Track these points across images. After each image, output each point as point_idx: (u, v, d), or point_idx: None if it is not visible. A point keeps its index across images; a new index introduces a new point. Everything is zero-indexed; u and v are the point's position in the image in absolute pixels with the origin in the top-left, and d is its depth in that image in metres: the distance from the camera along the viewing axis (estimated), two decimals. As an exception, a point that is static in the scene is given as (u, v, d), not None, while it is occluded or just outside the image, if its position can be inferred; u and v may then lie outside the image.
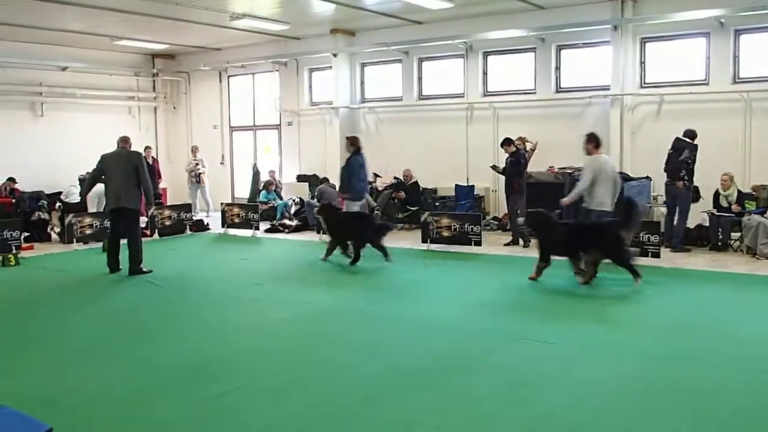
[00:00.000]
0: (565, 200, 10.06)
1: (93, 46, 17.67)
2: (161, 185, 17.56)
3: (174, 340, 6.81)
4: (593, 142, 9.67)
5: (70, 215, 13.21)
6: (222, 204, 15.67)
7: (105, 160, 10.29)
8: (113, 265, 10.27)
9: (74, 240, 12.84)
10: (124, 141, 10.54)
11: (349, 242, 10.96)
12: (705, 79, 12.63)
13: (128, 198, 10.09)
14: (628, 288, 8.57)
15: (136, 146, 10.97)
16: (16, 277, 10.41)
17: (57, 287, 9.60)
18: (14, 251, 11.57)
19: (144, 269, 10.20)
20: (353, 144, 11.74)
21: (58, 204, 14.60)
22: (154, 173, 16.92)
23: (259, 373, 5.69)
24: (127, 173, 10.05)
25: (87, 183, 10.98)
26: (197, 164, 17.74)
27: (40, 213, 14.22)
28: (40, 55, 17.15)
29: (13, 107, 16.96)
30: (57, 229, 14.02)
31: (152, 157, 17.02)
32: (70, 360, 6.14)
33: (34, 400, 4.88)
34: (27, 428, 2.63)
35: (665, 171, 11.46)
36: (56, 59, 17.46)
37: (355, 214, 11.43)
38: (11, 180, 15.01)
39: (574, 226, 9.49)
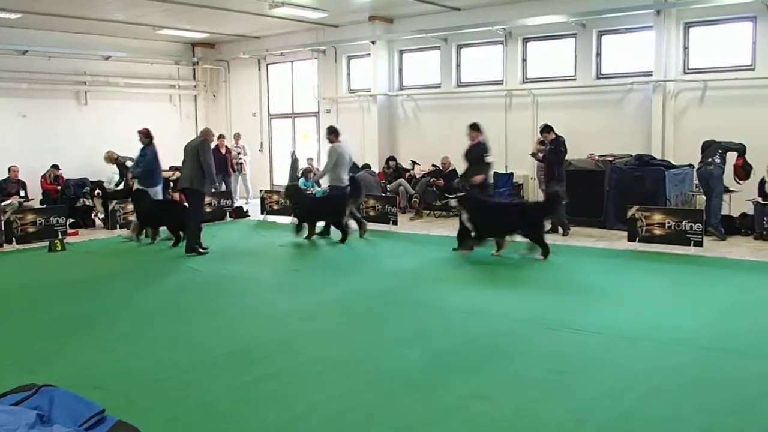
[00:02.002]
0: (315, 178, 13.56)
1: (135, 36, 17.93)
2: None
3: (216, 323, 6.93)
4: (333, 133, 12.08)
5: (113, 202, 13.49)
6: (261, 191, 15.83)
7: (184, 148, 11.06)
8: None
9: (117, 226, 13.10)
10: (202, 132, 11.45)
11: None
12: (751, 65, 12.32)
13: (186, 179, 10.90)
14: (675, 278, 8.48)
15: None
16: (63, 262, 10.66)
17: (102, 272, 9.81)
18: (60, 237, 11.87)
19: (201, 249, 10.81)
20: (147, 136, 12.38)
21: (97, 191, 14.81)
22: (226, 163, 16.73)
23: (301, 357, 5.76)
24: (191, 158, 10.78)
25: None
26: (239, 152, 17.90)
27: (85, 199, 14.52)
28: (84, 45, 17.46)
29: (58, 96, 17.32)
30: (101, 215, 14.30)
31: (225, 146, 16.94)
32: (117, 342, 6.28)
33: (83, 382, 5.00)
34: (82, 409, 2.71)
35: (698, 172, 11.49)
36: (99, 49, 17.76)
37: (164, 201, 12.62)
38: (55, 167, 15.32)
39: (314, 198, 12.45)
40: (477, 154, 10.53)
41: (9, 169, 14.49)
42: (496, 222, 10.13)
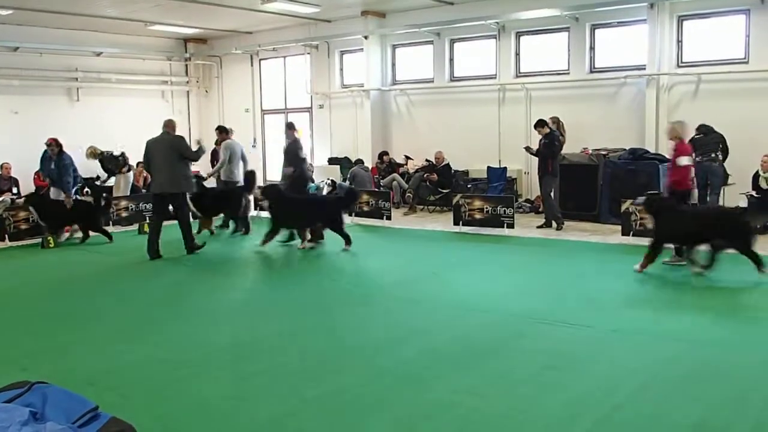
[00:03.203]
0: (208, 173, 13.45)
1: (127, 32, 17.85)
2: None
3: (209, 320, 6.90)
4: (224, 133, 13.02)
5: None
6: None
7: (149, 146, 10.18)
8: (152, 252, 10.06)
9: (110, 223, 13.04)
10: (167, 125, 10.31)
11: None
12: (744, 58, 12.34)
13: (171, 184, 10.05)
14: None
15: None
16: (55, 258, 10.61)
17: (95, 269, 9.77)
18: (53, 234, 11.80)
19: (197, 244, 10.47)
20: (58, 145, 12.10)
21: (86, 189, 14.68)
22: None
23: (293, 354, 5.74)
24: (170, 159, 9.98)
25: (147, 168, 11.15)
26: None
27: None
28: (76, 41, 17.37)
29: (50, 92, 17.24)
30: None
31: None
32: (110, 339, 6.26)
33: (75, 379, 4.98)
34: (75, 405, 2.70)
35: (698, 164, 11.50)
36: (91, 45, 17.69)
37: (78, 201, 12.25)
38: (48, 164, 15.20)
39: (213, 192, 12.52)
40: (293, 150, 11.32)
41: (1, 166, 14.41)
42: (294, 214, 10.63)
